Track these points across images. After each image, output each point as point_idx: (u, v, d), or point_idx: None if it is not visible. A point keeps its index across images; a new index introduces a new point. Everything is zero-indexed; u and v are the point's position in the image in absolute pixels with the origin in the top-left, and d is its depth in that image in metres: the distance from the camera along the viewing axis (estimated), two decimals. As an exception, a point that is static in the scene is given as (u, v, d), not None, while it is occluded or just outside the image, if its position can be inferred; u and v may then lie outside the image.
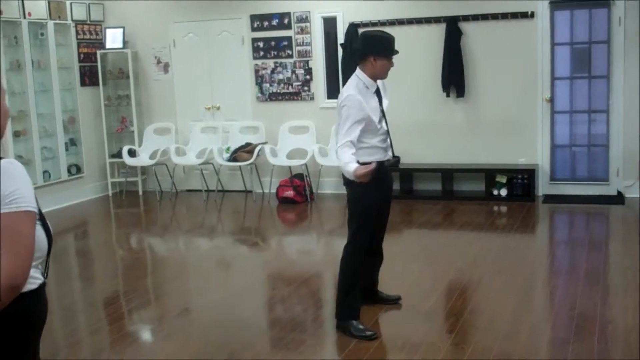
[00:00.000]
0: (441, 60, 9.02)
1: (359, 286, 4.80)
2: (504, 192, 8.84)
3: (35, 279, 2.28)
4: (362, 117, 4.49)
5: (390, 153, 4.83)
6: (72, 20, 9.96)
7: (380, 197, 4.79)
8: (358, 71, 4.66)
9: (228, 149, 9.94)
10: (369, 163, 4.50)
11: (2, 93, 2.21)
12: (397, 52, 4.70)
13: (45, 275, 2.34)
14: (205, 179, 10.15)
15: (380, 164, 4.56)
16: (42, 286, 2.33)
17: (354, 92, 4.55)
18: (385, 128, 4.72)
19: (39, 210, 2.31)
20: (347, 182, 4.73)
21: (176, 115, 10.48)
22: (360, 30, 8.83)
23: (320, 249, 7.58)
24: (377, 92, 4.68)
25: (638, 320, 4.74)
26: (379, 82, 4.75)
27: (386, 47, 4.65)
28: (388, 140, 4.76)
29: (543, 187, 8.98)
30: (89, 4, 10.21)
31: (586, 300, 5.21)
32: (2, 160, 2.13)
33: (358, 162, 4.45)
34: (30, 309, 2.30)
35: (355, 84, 4.61)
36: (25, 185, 2.20)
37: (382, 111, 4.69)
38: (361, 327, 4.69)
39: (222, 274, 6.65)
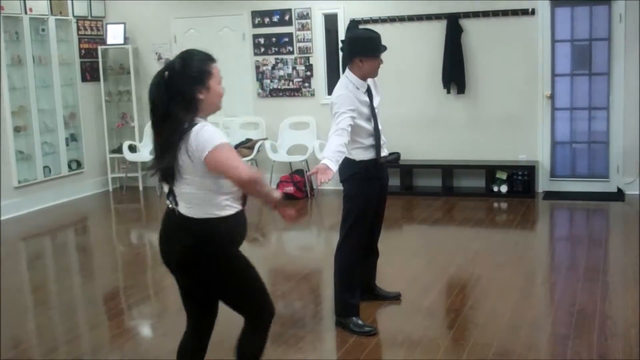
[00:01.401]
0: (442, 56, 9.02)
1: (357, 282, 4.82)
2: (504, 188, 8.85)
3: (233, 207, 3.18)
4: (352, 107, 4.49)
5: (385, 151, 4.83)
6: (73, 16, 9.96)
7: (377, 194, 4.79)
8: (347, 72, 4.66)
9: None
10: (364, 161, 4.52)
11: None
12: (385, 48, 4.68)
13: (243, 204, 3.25)
14: (206, 174, 10.13)
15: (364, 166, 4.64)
16: (240, 212, 3.23)
17: (345, 92, 4.55)
18: (379, 126, 4.71)
19: None
20: (344, 179, 4.75)
21: (177, 111, 10.45)
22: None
23: (320, 244, 7.59)
24: (368, 92, 4.68)
25: (638, 317, 4.76)
26: (370, 80, 4.74)
27: (372, 47, 4.63)
28: (381, 138, 4.75)
29: (543, 183, 8.98)
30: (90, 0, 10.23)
31: (586, 296, 5.21)
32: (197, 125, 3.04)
33: (348, 158, 4.50)
34: (231, 228, 3.20)
35: (345, 84, 4.62)
36: (213, 131, 3.07)
37: (374, 109, 4.68)
38: (360, 322, 4.70)
39: (222, 270, 6.64)
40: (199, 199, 3.12)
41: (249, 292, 3.35)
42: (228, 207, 3.17)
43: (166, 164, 3.06)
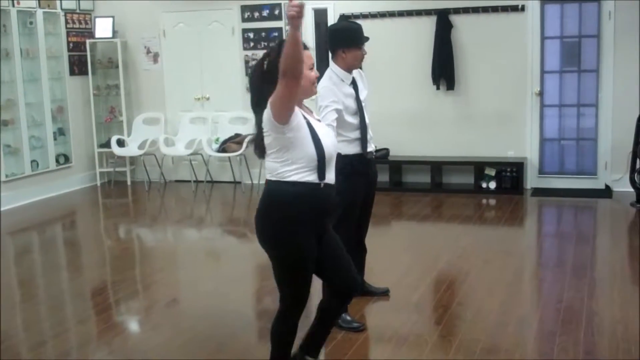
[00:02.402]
0: (431, 52, 9.02)
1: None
2: (492, 185, 8.87)
3: (304, 177, 3.35)
4: (335, 99, 4.50)
5: (372, 145, 4.83)
6: (62, 9, 9.91)
7: (364, 190, 4.79)
8: (331, 64, 4.68)
9: (217, 139, 9.92)
10: (349, 155, 4.52)
11: None
12: (367, 39, 4.70)
13: (322, 177, 3.39)
14: (194, 169, 10.12)
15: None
16: (313, 185, 3.36)
17: (328, 83, 4.55)
18: (365, 120, 4.71)
19: (309, 125, 3.37)
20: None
21: (165, 106, 10.44)
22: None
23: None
24: (354, 84, 4.68)
25: (625, 314, 4.78)
26: (356, 73, 4.73)
27: (353, 38, 4.65)
28: (368, 132, 4.74)
29: (531, 180, 9.01)
30: (78, -8, 10.17)
31: (573, 292, 5.23)
32: None
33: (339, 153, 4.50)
34: (297, 195, 3.35)
35: (329, 76, 4.64)
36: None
37: (360, 102, 4.67)
38: (348, 318, 4.70)
39: (210, 265, 6.64)
40: (274, 170, 3.42)
41: (287, 277, 3.48)
42: (296, 174, 3.36)
43: (257, 141, 3.50)
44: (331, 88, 4.52)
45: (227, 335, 4.71)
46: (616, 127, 8.56)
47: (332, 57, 4.67)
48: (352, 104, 4.61)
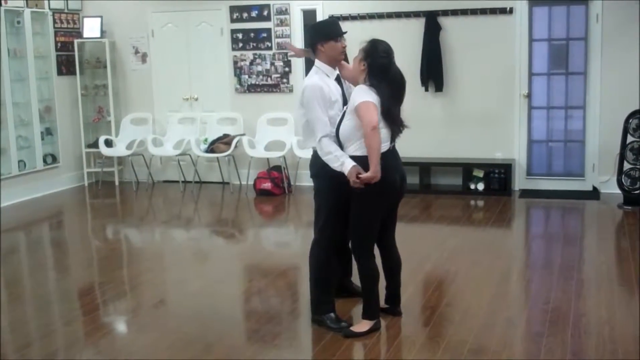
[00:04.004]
0: (420, 54, 9.04)
1: (333, 279, 4.81)
2: (480, 186, 8.89)
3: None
4: (323, 97, 4.52)
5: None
6: (50, 8, 9.86)
7: (349, 191, 4.76)
8: (316, 61, 4.71)
9: (206, 140, 9.91)
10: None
11: None
12: (345, 32, 4.76)
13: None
14: (183, 170, 10.11)
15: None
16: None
17: (316, 77, 4.59)
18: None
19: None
20: (315, 174, 4.74)
21: (154, 106, 10.42)
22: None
23: (297, 241, 7.57)
24: (338, 80, 4.71)
25: (612, 314, 4.80)
26: (350, 88, 4.74)
27: (328, 31, 4.72)
28: None
29: (519, 181, 9.04)
30: (66, -8, 10.13)
31: (560, 294, 5.25)
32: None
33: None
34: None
35: (315, 71, 4.68)
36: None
37: (345, 99, 4.68)
38: (336, 319, 4.70)
39: (198, 266, 6.63)
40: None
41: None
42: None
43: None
44: (319, 85, 4.54)
45: (215, 335, 4.70)
46: (604, 129, 8.61)
47: (314, 54, 4.70)
48: (338, 98, 4.62)
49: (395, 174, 4.55)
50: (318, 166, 4.65)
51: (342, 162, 4.39)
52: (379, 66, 4.40)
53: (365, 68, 4.42)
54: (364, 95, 4.34)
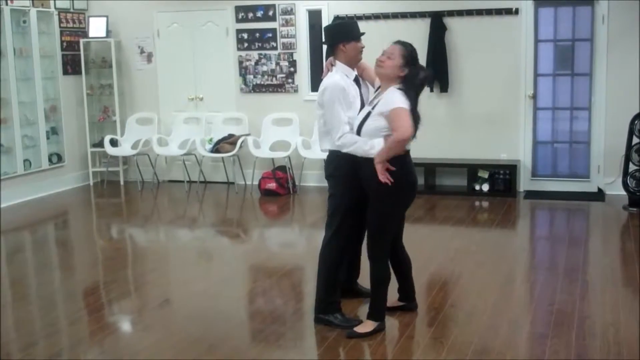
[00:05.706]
0: (425, 55, 9.01)
1: (340, 280, 4.81)
2: (485, 187, 8.88)
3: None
4: (345, 97, 4.53)
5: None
6: (55, 8, 9.88)
7: (369, 192, 4.76)
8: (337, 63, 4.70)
9: (211, 140, 9.91)
10: (350, 155, 4.51)
11: None
12: (363, 33, 4.79)
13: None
14: (188, 169, 10.12)
15: None
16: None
17: (337, 76, 4.59)
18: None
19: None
20: (329, 175, 4.72)
21: (159, 106, 10.43)
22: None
23: (302, 241, 7.58)
24: (357, 81, 4.71)
25: (616, 317, 4.79)
26: (367, 88, 4.76)
27: (350, 31, 4.75)
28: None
29: (524, 183, 9.03)
30: (72, -8, 10.15)
31: (565, 295, 5.25)
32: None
33: (334, 152, 4.51)
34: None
35: (335, 70, 4.67)
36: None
37: (363, 100, 4.69)
38: (346, 317, 4.72)
39: (203, 266, 6.63)
40: None
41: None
42: None
43: None
44: (341, 85, 4.54)
45: (219, 336, 4.71)
46: (609, 130, 8.59)
47: (333, 53, 4.69)
48: (357, 100, 4.63)
49: (415, 175, 4.65)
50: (332, 167, 4.66)
51: (372, 145, 4.39)
52: (418, 78, 4.50)
53: (404, 74, 4.47)
54: (400, 101, 4.35)
